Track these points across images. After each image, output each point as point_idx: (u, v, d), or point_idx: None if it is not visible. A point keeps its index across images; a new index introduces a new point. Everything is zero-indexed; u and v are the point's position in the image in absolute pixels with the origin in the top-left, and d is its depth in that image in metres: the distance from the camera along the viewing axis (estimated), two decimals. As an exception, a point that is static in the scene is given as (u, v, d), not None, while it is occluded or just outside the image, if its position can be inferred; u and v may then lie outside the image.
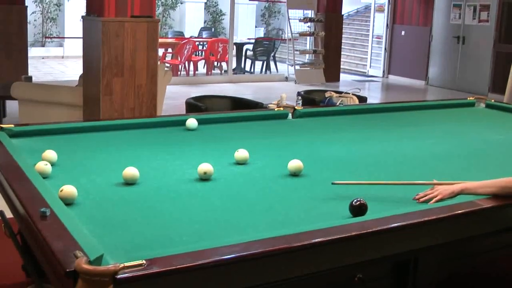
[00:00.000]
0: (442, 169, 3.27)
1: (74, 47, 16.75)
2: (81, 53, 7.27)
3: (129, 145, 3.59)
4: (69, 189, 2.50)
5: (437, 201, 2.60)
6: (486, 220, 2.61)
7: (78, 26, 12.06)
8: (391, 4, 15.64)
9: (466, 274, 2.75)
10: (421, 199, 2.65)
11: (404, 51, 15.34)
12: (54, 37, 20.31)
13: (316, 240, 2.11)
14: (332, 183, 2.81)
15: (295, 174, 3.03)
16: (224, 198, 2.72)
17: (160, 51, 14.01)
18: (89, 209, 2.48)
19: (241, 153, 3.22)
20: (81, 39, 7.07)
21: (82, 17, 7.02)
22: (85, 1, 7.15)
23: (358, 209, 2.43)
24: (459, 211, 2.47)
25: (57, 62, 18.23)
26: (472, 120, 4.78)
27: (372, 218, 2.35)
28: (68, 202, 2.46)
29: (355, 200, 2.47)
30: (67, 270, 1.79)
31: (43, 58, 18.38)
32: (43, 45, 20.13)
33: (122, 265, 1.79)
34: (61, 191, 2.49)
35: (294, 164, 3.04)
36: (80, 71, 7.41)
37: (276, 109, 4.49)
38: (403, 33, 15.42)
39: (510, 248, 2.85)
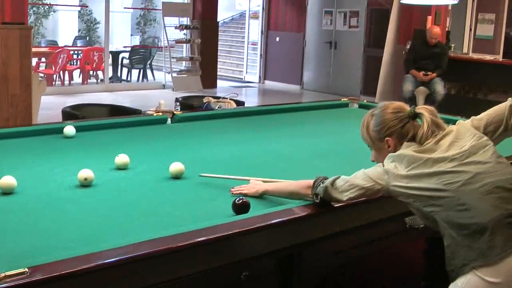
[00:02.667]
0: (316, 166, 3.38)
1: None
2: None
3: (4, 155, 3.48)
4: None
5: (239, 194, 2.73)
6: (363, 214, 2.72)
7: None
8: (265, 11, 15.90)
9: (347, 266, 2.85)
10: (234, 192, 2.80)
11: (279, 57, 15.62)
12: None
13: (201, 238, 2.14)
14: (200, 175, 3.00)
15: (176, 177, 3.04)
16: (106, 203, 2.69)
17: (34, 61, 13.62)
18: (-35, 220, 2.39)
19: (122, 158, 3.20)
20: None
21: (-51, 25, 6.73)
22: (-48, 9, 6.87)
23: (241, 208, 2.48)
24: (337, 206, 2.56)
25: None
26: (346, 120, 4.95)
27: (255, 215, 2.40)
28: None
29: (238, 199, 2.52)
30: None
31: None
32: None
33: (3, 275, 1.75)
34: None
35: (175, 167, 3.05)
36: None
37: (155, 115, 4.48)
38: (277, 39, 15.70)
39: (387, 240, 2.98)
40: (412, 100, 9.60)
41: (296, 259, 2.47)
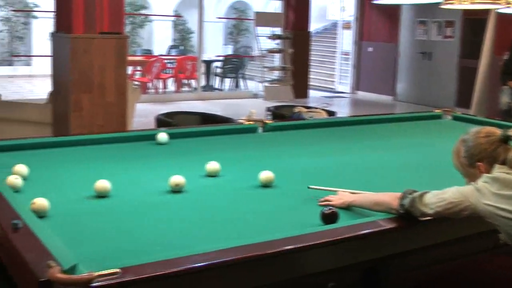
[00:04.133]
0: (405, 180, 3.31)
1: (42, 65, 16.66)
2: (49, 72, 7.25)
3: (99, 160, 3.59)
4: (41, 202, 2.50)
5: (325, 205, 2.64)
6: (452, 229, 2.66)
7: (45, 44, 12.00)
8: (358, 21, 15.81)
9: (435, 281, 2.79)
10: (321, 202, 2.75)
11: (372, 67, 15.50)
12: (22, 56, 20.18)
13: (288, 247, 2.14)
14: (308, 187, 2.95)
15: (266, 185, 3.06)
16: (196, 209, 2.74)
17: (129, 69, 13.98)
18: (61, 222, 2.48)
19: (212, 165, 3.24)
20: (49, 57, 7.05)
21: (51, 34, 7.00)
22: (54, 18, 7.14)
23: (330, 217, 2.47)
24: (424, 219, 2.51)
25: (24, 80, 18.10)
26: (438, 132, 4.85)
27: (342, 226, 2.39)
28: (40, 214, 2.46)
29: (327, 209, 2.51)
30: (41, 280, 1.79)
31: (10, 77, 18.23)
32: (10, 64, 19.98)
33: (96, 274, 1.80)
34: (33, 204, 2.49)
35: (265, 175, 3.07)
36: (48, 90, 7.38)
37: (246, 123, 4.52)
38: (370, 49, 15.59)
39: (476, 255, 2.91)
40: (508, 113, 9.32)
41: (382, 272, 2.44)
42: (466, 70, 12.90)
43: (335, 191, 2.91)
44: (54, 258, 1.90)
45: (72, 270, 1.85)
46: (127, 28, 20.35)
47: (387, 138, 4.60)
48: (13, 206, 2.45)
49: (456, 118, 5.24)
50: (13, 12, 19.68)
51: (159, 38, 22.52)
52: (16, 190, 2.79)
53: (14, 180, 2.84)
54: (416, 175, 3.49)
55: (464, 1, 7.03)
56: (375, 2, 12.31)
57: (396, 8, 14.49)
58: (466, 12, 12.53)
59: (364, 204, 2.68)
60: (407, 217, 2.47)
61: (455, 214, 2.37)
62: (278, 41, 14.50)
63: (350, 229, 2.36)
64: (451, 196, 2.36)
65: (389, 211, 2.53)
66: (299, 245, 2.17)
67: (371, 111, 12.07)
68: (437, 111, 5.43)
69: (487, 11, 10.73)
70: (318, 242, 2.21)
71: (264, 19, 14.43)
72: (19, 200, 2.56)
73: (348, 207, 2.71)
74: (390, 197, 2.55)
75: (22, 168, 3.04)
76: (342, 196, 2.79)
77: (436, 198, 2.38)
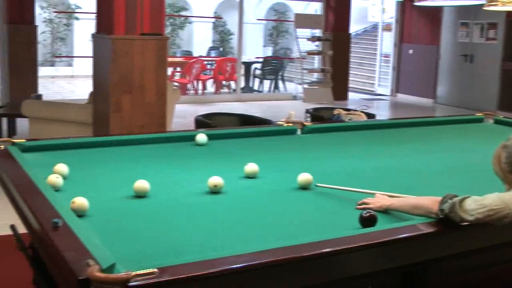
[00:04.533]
0: (445, 184, 3.27)
1: (83, 66, 16.89)
2: (89, 73, 7.33)
3: (139, 160, 3.61)
4: (80, 201, 2.52)
5: (363, 208, 2.62)
6: (495, 234, 2.62)
7: (86, 45, 12.16)
8: (399, 23, 15.70)
9: (474, 287, 2.76)
10: (358, 205, 2.73)
11: (412, 70, 15.37)
12: (64, 56, 20.46)
13: (326, 250, 2.13)
14: (316, 185, 2.99)
15: (304, 187, 3.05)
16: (234, 211, 2.73)
17: (169, 70, 14.07)
18: (100, 221, 2.50)
19: (251, 167, 3.23)
20: (90, 58, 7.13)
21: (92, 35, 7.08)
22: (95, 20, 7.22)
23: (368, 221, 2.45)
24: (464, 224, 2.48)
25: (66, 81, 18.35)
26: (479, 136, 4.78)
27: (380, 229, 2.37)
28: (79, 213, 2.48)
29: (365, 212, 2.49)
30: (79, 278, 1.81)
31: (52, 77, 18.49)
32: (52, 65, 20.28)
33: (134, 273, 1.81)
34: (73, 203, 2.51)
35: (304, 177, 3.05)
36: (89, 90, 7.46)
37: (285, 125, 4.51)
38: (411, 51, 15.46)
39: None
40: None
41: (421, 276, 2.42)
42: (509, 73, 12.72)
43: (345, 190, 2.91)
44: (93, 257, 1.92)
45: (110, 269, 1.86)
46: (168, 30, 20.51)
47: (427, 141, 4.55)
48: (53, 204, 2.48)
49: (498, 122, 5.16)
50: (55, 13, 19.96)
51: (199, 39, 22.64)
52: (56, 189, 2.82)
53: (55, 179, 2.87)
54: (456, 180, 3.44)
55: (508, 3, 6.94)
56: (416, 4, 12.26)
57: (437, 10, 14.36)
58: (510, 13, 12.35)
59: (403, 208, 2.65)
60: (447, 222, 2.44)
61: (496, 221, 2.33)
62: (317, 43, 14.47)
63: (389, 232, 2.34)
64: (492, 203, 2.31)
65: (428, 215, 2.49)
66: (337, 248, 2.15)
67: (411, 114, 11.97)
68: (479, 114, 5.35)
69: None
70: (356, 245, 2.20)
71: (304, 21, 14.42)
72: (59, 199, 2.59)
73: (385, 211, 2.68)
74: (430, 201, 2.51)
75: (62, 168, 3.07)
76: (380, 199, 2.75)
77: (477, 205, 2.34)
